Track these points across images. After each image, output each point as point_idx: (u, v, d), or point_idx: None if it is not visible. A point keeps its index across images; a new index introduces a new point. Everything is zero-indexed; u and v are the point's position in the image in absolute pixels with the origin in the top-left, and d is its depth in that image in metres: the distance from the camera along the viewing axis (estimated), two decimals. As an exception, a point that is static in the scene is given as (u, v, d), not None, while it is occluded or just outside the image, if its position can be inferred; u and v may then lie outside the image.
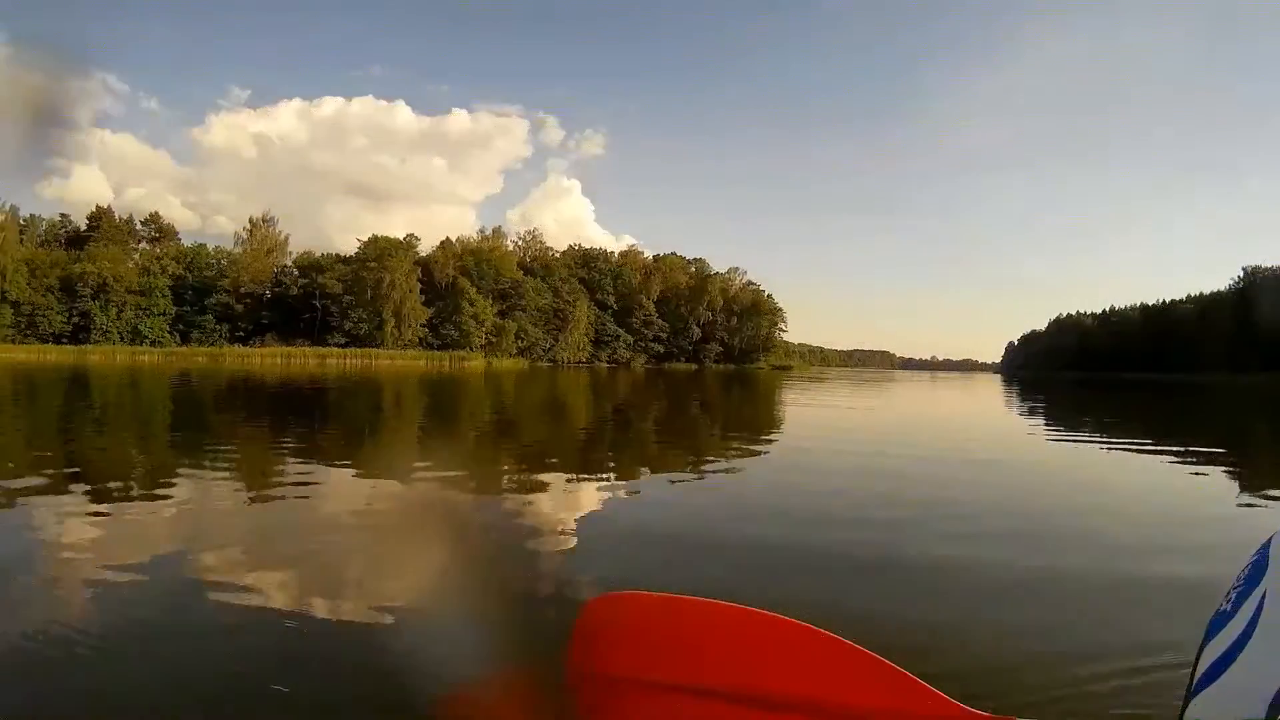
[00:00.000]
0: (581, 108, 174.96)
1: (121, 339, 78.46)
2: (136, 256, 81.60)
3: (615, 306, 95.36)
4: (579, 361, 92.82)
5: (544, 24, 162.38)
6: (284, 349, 76.92)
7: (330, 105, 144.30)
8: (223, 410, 17.59)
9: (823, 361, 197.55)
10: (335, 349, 78.89)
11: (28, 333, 79.10)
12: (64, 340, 78.17)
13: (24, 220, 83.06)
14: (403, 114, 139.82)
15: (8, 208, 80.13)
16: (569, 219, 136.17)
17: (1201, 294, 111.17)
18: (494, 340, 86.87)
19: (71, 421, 14.38)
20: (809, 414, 18.91)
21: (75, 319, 79.12)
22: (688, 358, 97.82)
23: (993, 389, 46.14)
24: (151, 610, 3.57)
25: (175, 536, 5.00)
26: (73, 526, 5.21)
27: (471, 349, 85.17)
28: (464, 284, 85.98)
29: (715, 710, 1.40)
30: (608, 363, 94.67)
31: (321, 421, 15.10)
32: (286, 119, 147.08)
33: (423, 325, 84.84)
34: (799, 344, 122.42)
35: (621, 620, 1.54)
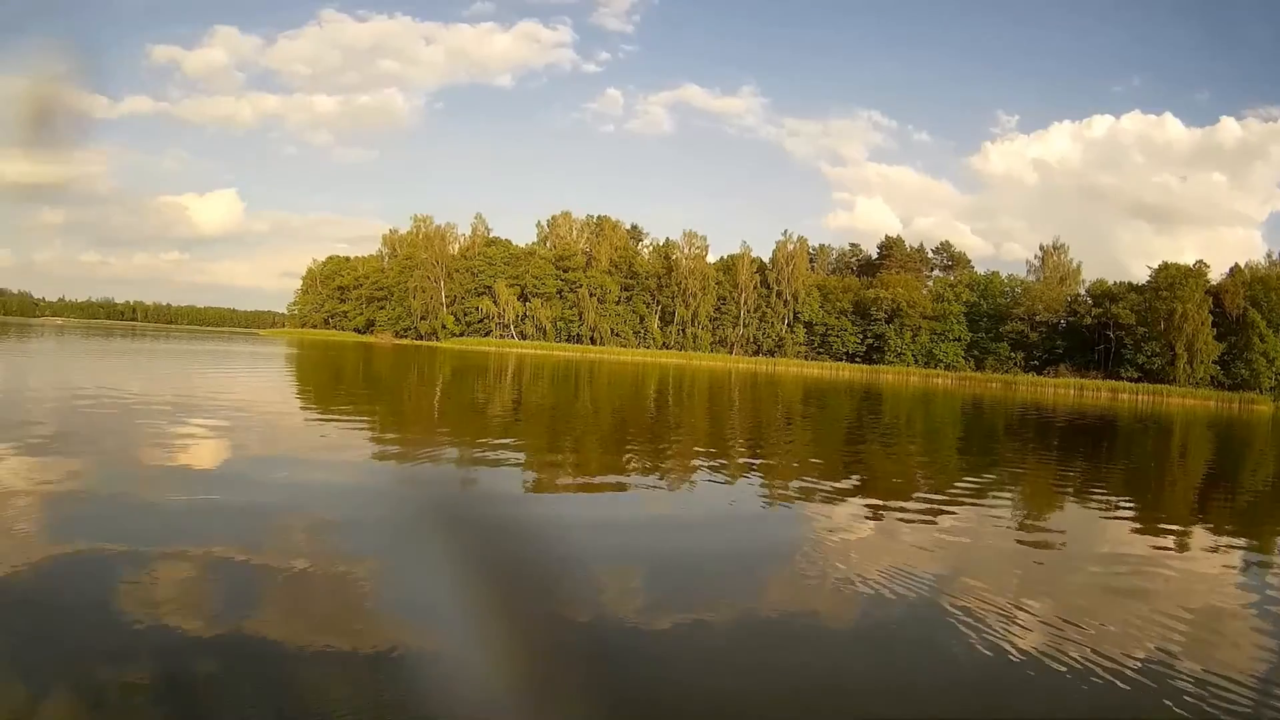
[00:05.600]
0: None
1: (915, 361, 78.71)
2: (930, 283, 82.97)
3: None
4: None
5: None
6: (1076, 380, 73.14)
7: (1100, 124, 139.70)
8: (1012, 438, 17.69)
9: None
10: (1127, 383, 74.22)
11: (820, 351, 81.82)
12: (856, 359, 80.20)
13: (813, 249, 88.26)
14: (1172, 127, 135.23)
15: (796, 238, 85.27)
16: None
17: None
18: (1289, 384, 78.79)
19: (861, 433, 15.56)
20: None
21: (869, 340, 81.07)
22: None
23: None
24: (882, 619, 4.06)
25: (934, 556, 5.42)
26: (842, 528, 6.13)
27: (1260, 390, 77.57)
28: (1254, 316, 79.61)
29: None
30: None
31: (1108, 459, 14.72)
32: (1059, 141, 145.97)
33: (1214, 362, 78.81)
34: None
35: None
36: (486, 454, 9.26)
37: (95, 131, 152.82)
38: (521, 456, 9.47)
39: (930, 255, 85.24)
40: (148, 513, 5.43)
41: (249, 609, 3.68)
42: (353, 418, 13.25)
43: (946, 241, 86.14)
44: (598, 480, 8.30)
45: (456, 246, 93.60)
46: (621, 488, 7.79)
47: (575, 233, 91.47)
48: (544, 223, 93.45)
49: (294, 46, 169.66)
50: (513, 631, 3.64)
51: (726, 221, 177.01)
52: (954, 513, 7.12)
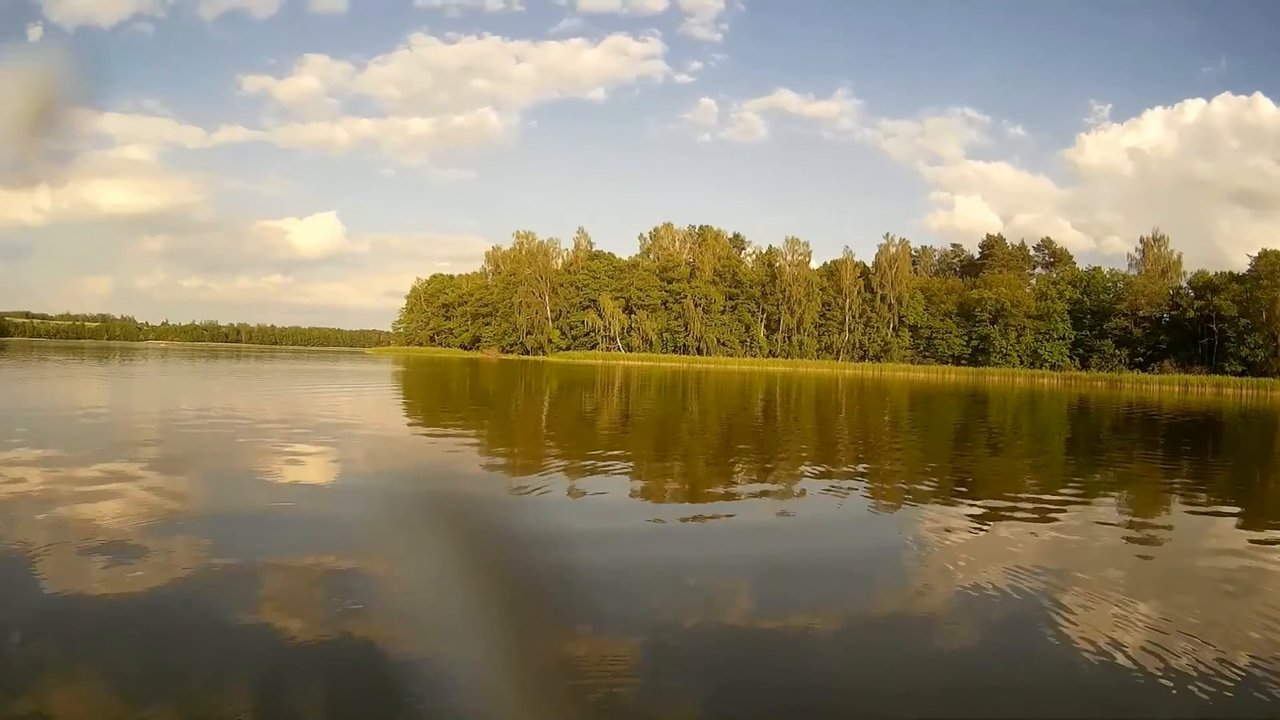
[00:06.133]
0: None
1: (1020, 362, 79.99)
2: (1033, 281, 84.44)
3: None
4: None
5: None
6: (1180, 376, 73.37)
7: (1192, 109, 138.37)
8: (1117, 437, 17.75)
9: None
10: (1231, 377, 74.49)
11: (926, 354, 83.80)
12: (962, 362, 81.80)
13: (915, 251, 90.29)
14: (1264, 107, 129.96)
15: (898, 241, 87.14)
16: None
17: None
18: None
19: (968, 436, 16.13)
20: None
21: (974, 342, 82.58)
22: None
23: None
24: (997, 627, 4.09)
25: (1042, 557, 5.44)
26: (950, 529, 6.28)
27: (1366, 384, 78.28)
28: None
29: None
30: None
31: (1213, 457, 14.85)
32: (1153, 129, 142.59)
33: (1317, 354, 79.68)
34: None
35: None
36: (596, 464, 9.62)
37: (191, 161, 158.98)
38: (630, 465, 9.86)
39: (1032, 253, 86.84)
40: (247, 529, 5.58)
41: (348, 625, 3.77)
42: (462, 433, 13.78)
43: (1048, 238, 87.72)
44: (705, 486, 8.66)
45: (560, 261, 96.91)
46: (731, 495, 8.03)
47: (678, 243, 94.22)
48: (646, 235, 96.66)
49: (385, 71, 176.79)
50: (618, 634, 3.75)
51: (827, 226, 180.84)
52: (1061, 514, 7.23)
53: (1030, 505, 7.75)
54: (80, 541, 4.90)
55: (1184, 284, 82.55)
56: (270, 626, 3.73)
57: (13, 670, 3.19)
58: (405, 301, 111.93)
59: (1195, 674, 3.47)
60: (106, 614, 3.78)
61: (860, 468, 10.34)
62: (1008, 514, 7.18)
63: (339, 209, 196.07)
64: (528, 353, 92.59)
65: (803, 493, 8.15)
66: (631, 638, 3.74)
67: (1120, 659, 3.64)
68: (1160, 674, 3.47)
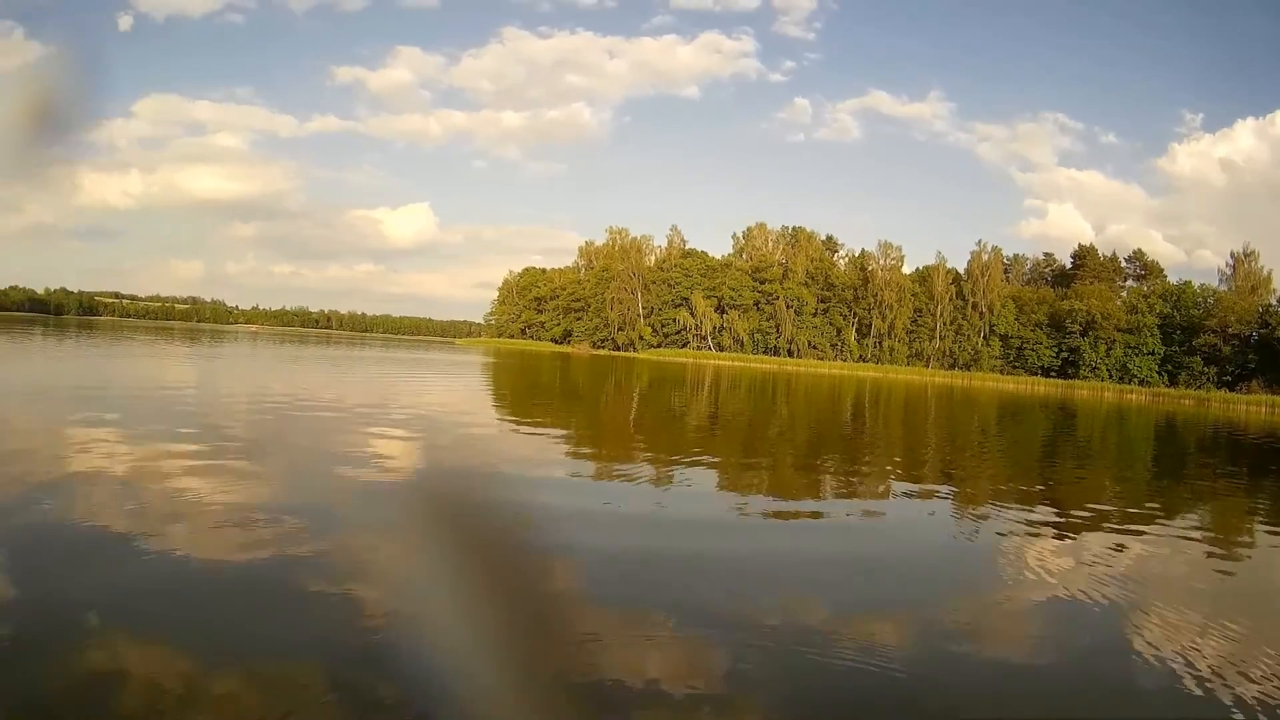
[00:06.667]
0: None
1: (1110, 376, 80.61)
2: (1124, 294, 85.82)
3: None
4: None
5: None
6: (1268, 397, 71.34)
7: None
8: (1204, 458, 18.30)
9: None
10: None
11: (1016, 364, 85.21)
12: (1052, 374, 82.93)
13: (1007, 259, 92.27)
14: None
15: (991, 248, 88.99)
16: None
17: None
18: None
19: (1054, 450, 16.80)
20: None
21: (1064, 354, 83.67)
22: None
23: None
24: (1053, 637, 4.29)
25: (1123, 578, 5.43)
26: (1031, 544, 6.43)
27: None
28: None
29: None
30: None
31: None
32: (1245, 139, 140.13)
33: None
34: None
35: None
36: (680, 471, 9.65)
37: (283, 149, 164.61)
38: (714, 474, 9.85)
39: (1123, 264, 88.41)
40: (320, 519, 5.60)
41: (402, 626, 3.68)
42: (551, 429, 14.41)
43: (1139, 250, 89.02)
44: (788, 497, 8.71)
45: (652, 258, 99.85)
46: (816, 514, 7.96)
47: (770, 244, 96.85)
48: (739, 234, 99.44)
49: (478, 64, 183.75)
50: (694, 645, 3.80)
51: (919, 230, 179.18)
52: (1144, 535, 7.32)
53: (1115, 525, 7.89)
54: (153, 518, 5.21)
55: (1274, 301, 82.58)
56: (329, 621, 3.79)
57: (93, 629, 3.43)
58: (497, 294, 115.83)
59: (1272, 695, 3.50)
60: (172, 585, 4.03)
61: (946, 487, 10.35)
62: (1091, 529, 7.39)
63: (432, 200, 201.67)
64: (618, 349, 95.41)
65: (886, 503, 8.57)
66: (711, 651, 3.76)
67: (1193, 676, 3.70)
68: (1236, 693, 3.50)
